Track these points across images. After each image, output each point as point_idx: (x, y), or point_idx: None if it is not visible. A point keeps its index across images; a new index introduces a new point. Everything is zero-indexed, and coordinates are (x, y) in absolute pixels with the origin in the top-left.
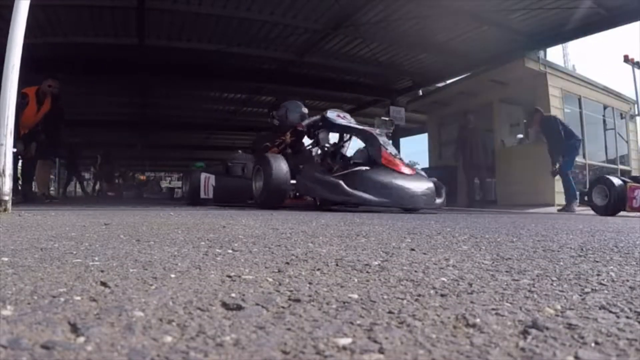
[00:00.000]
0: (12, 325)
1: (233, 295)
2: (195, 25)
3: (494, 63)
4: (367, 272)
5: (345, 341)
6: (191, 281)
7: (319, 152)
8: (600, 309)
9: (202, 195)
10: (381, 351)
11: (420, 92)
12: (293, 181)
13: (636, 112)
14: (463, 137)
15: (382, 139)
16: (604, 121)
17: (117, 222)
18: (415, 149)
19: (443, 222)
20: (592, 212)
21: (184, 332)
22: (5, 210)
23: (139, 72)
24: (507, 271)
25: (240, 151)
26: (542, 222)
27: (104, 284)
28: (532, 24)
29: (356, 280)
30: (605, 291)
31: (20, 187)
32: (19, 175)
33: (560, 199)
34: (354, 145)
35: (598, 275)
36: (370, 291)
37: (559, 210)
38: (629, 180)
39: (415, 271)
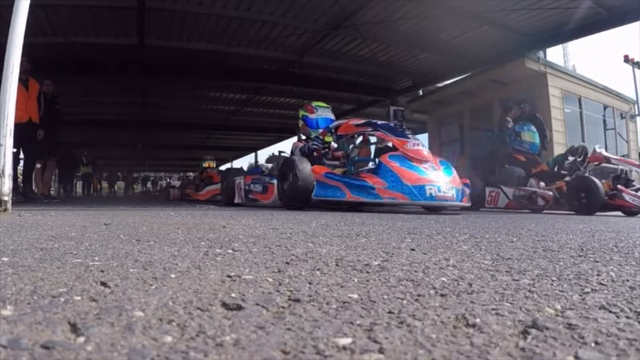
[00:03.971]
0: (12, 325)
1: (233, 295)
2: (195, 25)
3: (494, 63)
4: (367, 272)
5: (345, 341)
6: (191, 281)
7: None
8: (600, 309)
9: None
10: (381, 351)
11: (420, 92)
12: None
13: (636, 112)
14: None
15: None
16: (604, 121)
17: (117, 222)
18: None
19: (443, 222)
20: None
21: (184, 332)
22: (5, 210)
23: (139, 72)
24: (507, 271)
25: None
26: (542, 222)
27: (104, 284)
28: (532, 24)
29: (356, 280)
30: (605, 291)
31: (21, 188)
32: (19, 175)
33: None
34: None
35: (598, 275)
36: (370, 291)
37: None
38: None
39: (415, 271)
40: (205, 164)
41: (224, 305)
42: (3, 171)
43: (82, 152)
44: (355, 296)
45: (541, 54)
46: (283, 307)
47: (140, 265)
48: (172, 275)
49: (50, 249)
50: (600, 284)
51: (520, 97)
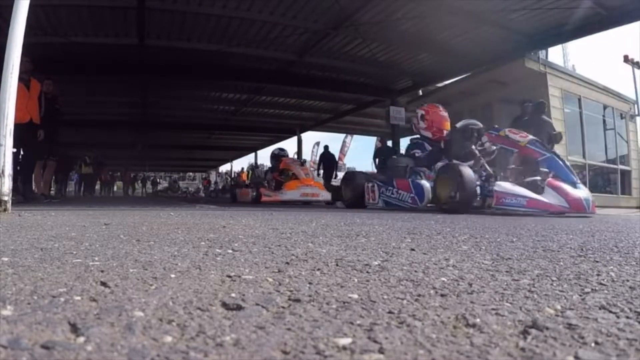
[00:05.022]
0: (12, 325)
1: (233, 295)
2: (195, 25)
3: (494, 63)
4: (367, 272)
5: (345, 341)
6: (191, 281)
7: None
8: (600, 309)
9: None
10: (381, 351)
11: (420, 92)
12: None
13: (636, 112)
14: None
15: None
16: (604, 121)
17: (117, 222)
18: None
19: (443, 222)
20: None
21: (184, 332)
22: (5, 210)
23: (139, 72)
24: (507, 271)
25: None
26: (542, 222)
27: (104, 284)
28: (532, 24)
29: (356, 280)
30: (605, 291)
31: (21, 188)
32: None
33: None
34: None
35: (598, 275)
36: (370, 291)
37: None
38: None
39: (415, 271)
40: None
41: (224, 305)
42: (3, 171)
43: (85, 153)
44: (355, 296)
45: (542, 53)
46: (283, 307)
47: (140, 265)
48: (172, 275)
49: (50, 249)
50: (600, 284)
51: (522, 98)
